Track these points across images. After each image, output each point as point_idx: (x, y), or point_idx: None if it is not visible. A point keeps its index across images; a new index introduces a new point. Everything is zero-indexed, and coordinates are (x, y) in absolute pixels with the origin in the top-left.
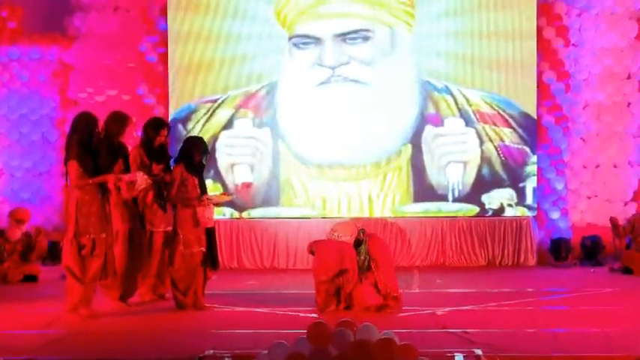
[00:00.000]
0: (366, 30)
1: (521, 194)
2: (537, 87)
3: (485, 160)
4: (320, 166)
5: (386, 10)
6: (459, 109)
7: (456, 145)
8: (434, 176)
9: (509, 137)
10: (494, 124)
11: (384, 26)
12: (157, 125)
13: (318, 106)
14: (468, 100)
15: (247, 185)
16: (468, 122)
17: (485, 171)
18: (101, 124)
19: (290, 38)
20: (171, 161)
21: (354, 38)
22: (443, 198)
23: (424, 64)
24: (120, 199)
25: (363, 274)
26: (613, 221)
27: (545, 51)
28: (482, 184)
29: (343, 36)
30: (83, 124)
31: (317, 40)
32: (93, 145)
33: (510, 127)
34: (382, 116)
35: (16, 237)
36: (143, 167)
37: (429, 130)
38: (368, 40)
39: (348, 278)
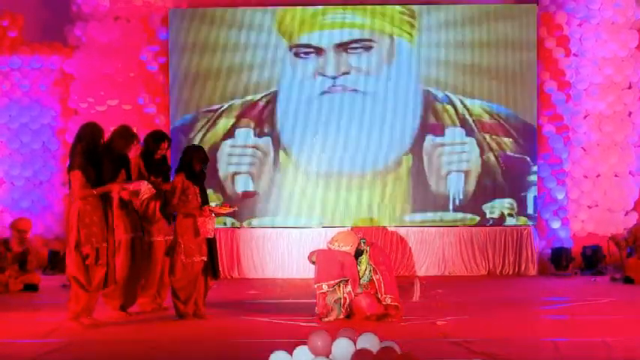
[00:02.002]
0: (367, 40)
1: (522, 204)
2: (538, 97)
3: (485, 169)
4: (320, 175)
5: (387, 20)
6: (460, 119)
7: (457, 154)
8: (434, 185)
9: (510, 147)
10: (495, 134)
11: (385, 36)
12: (157, 138)
13: (319, 116)
14: (468, 110)
15: (250, 195)
16: (469, 132)
17: (485, 180)
18: (106, 134)
19: (290, 48)
20: (171, 173)
21: (355, 48)
22: (444, 207)
23: (425, 74)
24: (122, 208)
25: (364, 283)
26: (615, 239)
27: (546, 61)
28: (483, 193)
29: (344, 46)
30: (88, 134)
31: (318, 50)
32: (97, 156)
33: (511, 136)
34: (383, 125)
35: (20, 248)
36: (141, 178)
37: (429, 140)
38: (369, 50)
39: (349, 287)
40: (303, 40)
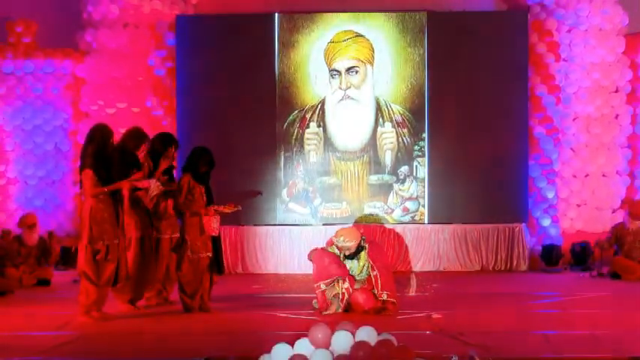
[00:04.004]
0: (357, 66)
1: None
2: (529, 100)
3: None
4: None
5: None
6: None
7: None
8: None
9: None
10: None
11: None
12: (166, 142)
13: (333, 119)
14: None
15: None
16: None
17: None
18: (116, 135)
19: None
20: (175, 172)
21: (351, 72)
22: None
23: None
24: (134, 207)
25: (362, 279)
26: (599, 244)
27: (536, 65)
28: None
29: (348, 70)
30: (98, 135)
31: (338, 72)
32: (107, 156)
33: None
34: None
35: (33, 242)
36: (150, 176)
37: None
38: (357, 73)
39: (347, 284)
40: (334, 66)
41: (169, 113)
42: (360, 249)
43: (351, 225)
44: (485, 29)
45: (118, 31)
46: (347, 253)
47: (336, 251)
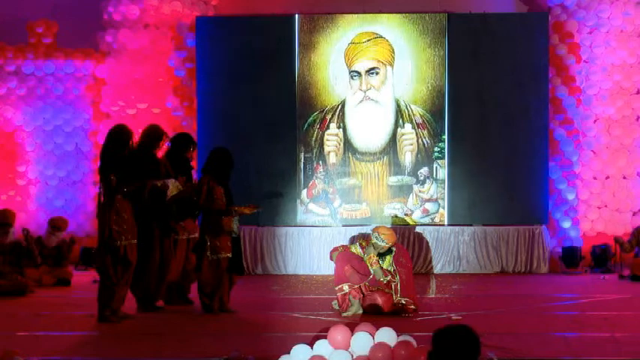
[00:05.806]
0: (377, 68)
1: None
2: (550, 101)
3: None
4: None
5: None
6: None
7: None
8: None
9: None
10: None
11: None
12: (184, 142)
13: (353, 120)
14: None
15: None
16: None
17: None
18: (135, 136)
19: (350, 72)
20: (194, 173)
21: (371, 73)
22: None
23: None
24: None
25: (385, 282)
26: (619, 240)
27: (557, 67)
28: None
29: (369, 71)
30: (118, 135)
31: (359, 74)
32: (126, 156)
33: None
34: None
35: (52, 244)
36: (168, 176)
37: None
38: (377, 74)
39: (367, 288)
40: (354, 67)
41: (189, 114)
42: (389, 251)
43: (389, 226)
44: (506, 31)
45: (139, 32)
46: (377, 251)
47: (359, 250)
